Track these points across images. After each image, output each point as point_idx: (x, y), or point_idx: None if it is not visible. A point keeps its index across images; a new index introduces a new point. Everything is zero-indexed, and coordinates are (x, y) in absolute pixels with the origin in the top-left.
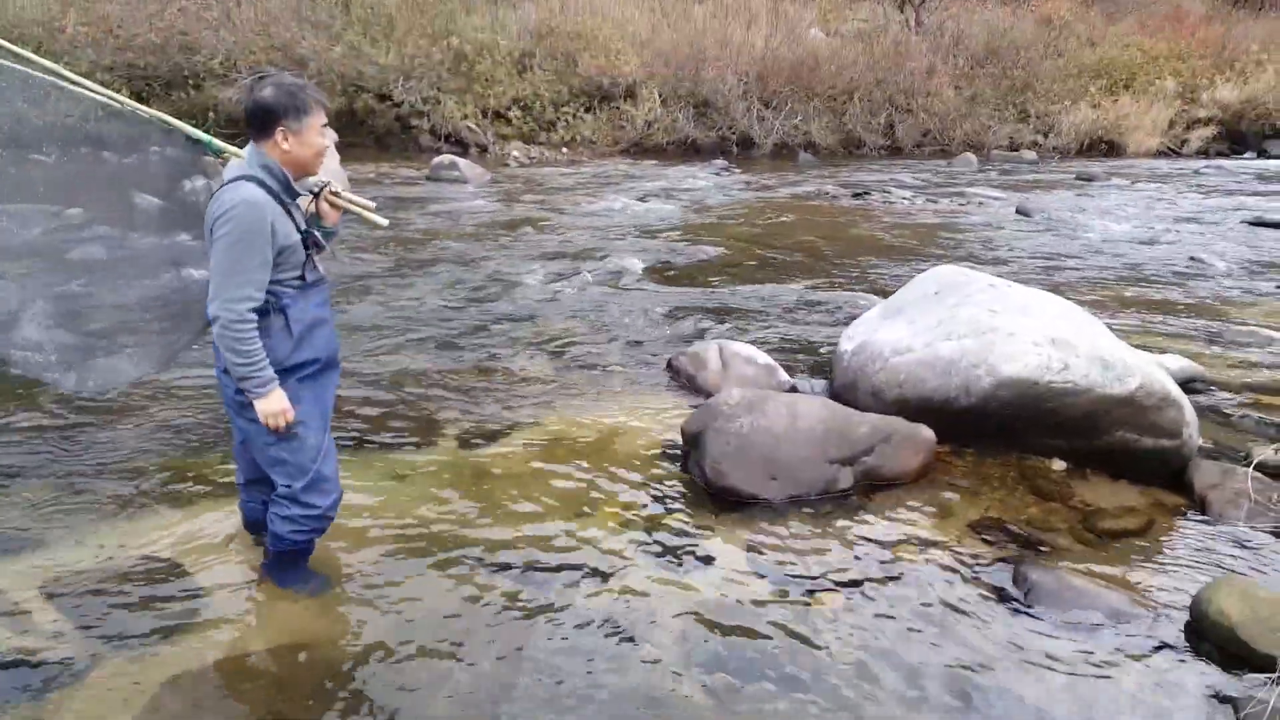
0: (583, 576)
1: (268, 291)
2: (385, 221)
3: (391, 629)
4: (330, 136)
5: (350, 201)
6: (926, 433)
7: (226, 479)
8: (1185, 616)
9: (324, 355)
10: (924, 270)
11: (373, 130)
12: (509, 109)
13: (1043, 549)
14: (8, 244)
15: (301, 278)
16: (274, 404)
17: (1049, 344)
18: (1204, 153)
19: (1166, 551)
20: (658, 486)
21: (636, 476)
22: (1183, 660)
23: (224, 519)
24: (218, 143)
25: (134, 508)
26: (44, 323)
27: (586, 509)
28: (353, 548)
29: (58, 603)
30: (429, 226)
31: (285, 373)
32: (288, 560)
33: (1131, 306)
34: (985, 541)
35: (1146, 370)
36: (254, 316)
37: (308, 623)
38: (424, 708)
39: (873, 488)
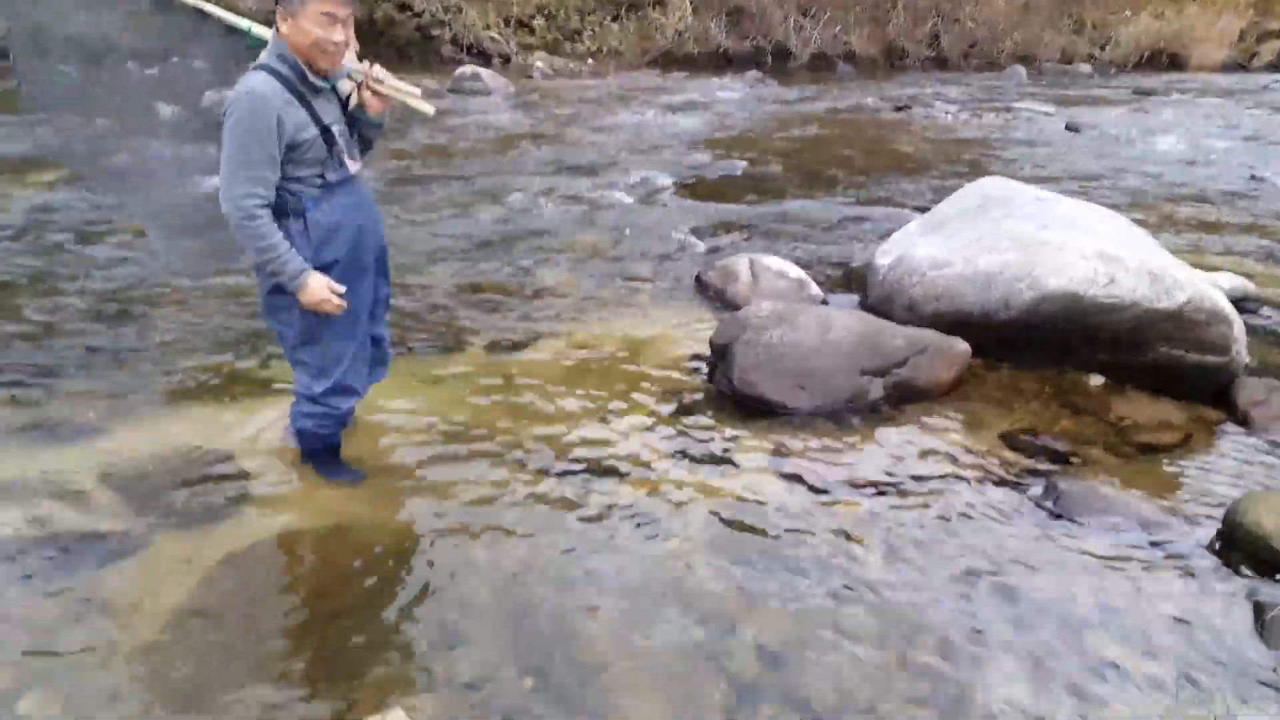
0: (609, 474)
1: (286, 191)
2: (432, 109)
3: (426, 517)
4: (353, 45)
5: (394, 89)
6: (962, 345)
7: (270, 375)
8: (1217, 527)
9: (344, 256)
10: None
11: (393, 41)
12: (532, 18)
13: (1075, 461)
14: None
15: (322, 176)
16: (313, 293)
17: (1096, 258)
18: (1276, 66)
19: (1203, 466)
20: (684, 396)
21: (663, 386)
22: (1212, 568)
23: (268, 412)
24: (258, 29)
25: (182, 400)
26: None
27: (613, 414)
28: (387, 445)
29: (113, 485)
30: (453, 139)
31: None
32: (320, 455)
33: (1185, 225)
34: (1016, 452)
35: (1196, 285)
36: (263, 213)
37: (347, 509)
38: (457, 586)
39: (904, 400)
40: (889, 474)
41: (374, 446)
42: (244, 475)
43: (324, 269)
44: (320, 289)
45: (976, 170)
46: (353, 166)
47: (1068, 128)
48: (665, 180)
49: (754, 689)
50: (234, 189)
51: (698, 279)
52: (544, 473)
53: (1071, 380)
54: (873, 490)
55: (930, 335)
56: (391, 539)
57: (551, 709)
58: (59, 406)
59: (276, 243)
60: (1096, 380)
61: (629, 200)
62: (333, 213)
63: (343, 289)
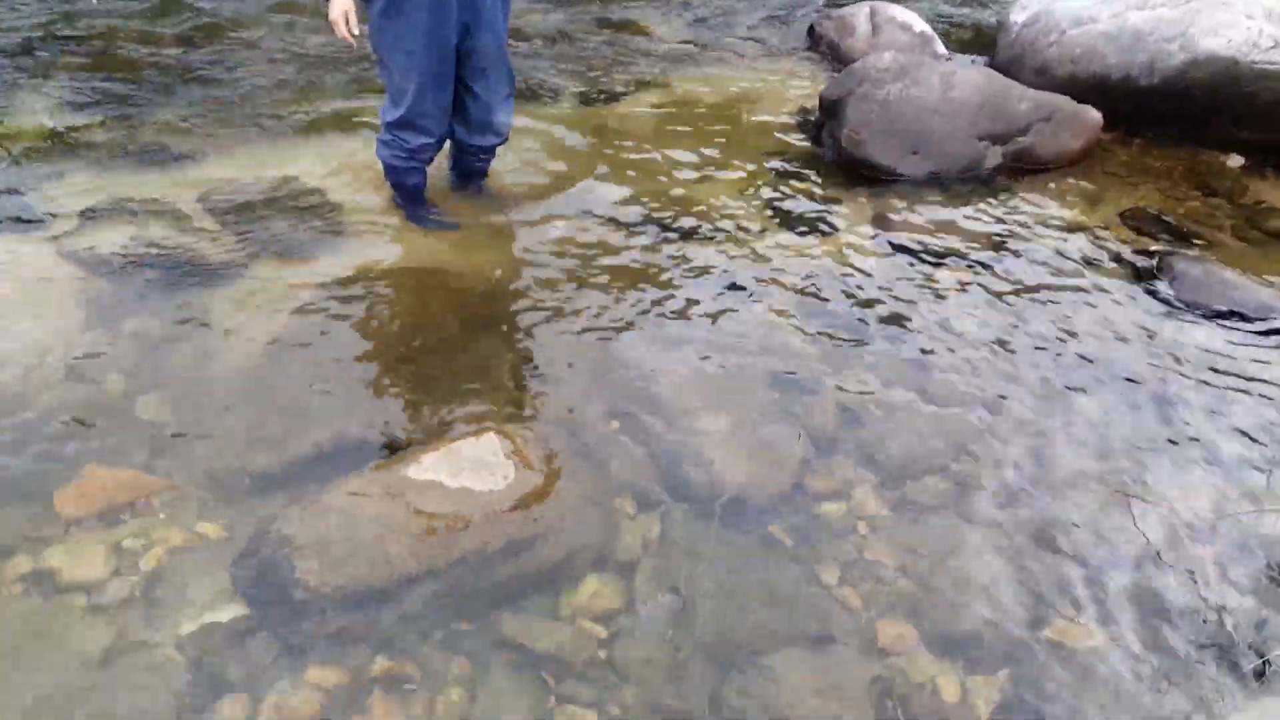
0: (702, 233)
1: None
2: None
3: (516, 266)
4: None
5: None
6: (1093, 114)
7: (367, 114)
8: None
9: None
10: None
11: None
12: None
13: (1198, 243)
14: None
15: None
16: (331, 10)
17: (1264, 17)
18: None
19: None
20: (786, 155)
21: (764, 144)
22: None
23: (364, 151)
24: None
25: (278, 132)
26: None
27: (710, 171)
28: (476, 192)
29: (213, 211)
30: None
31: None
32: (407, 196)
33: None
34: (1135, 231)
35: None
36: None
37: (441, 253)
38: (546, 333)
39: (1021, 170)
40: (995, 246)
41: (463, 193)
42: (339, 211)
43: None
44: (336, 12)
45: None
46: None
47: None
48: None
49: (831, 444)
50: None
51: (810, 30)
52: (636, 228)
53: (1208, 159)
54: (976, 262)
55: (1061, 101)
56: (483, 283)
57: (634, 448)
58: (156, 134)
59: None
60: (1235, 160)
61: None
62: None
63: (355, 31)
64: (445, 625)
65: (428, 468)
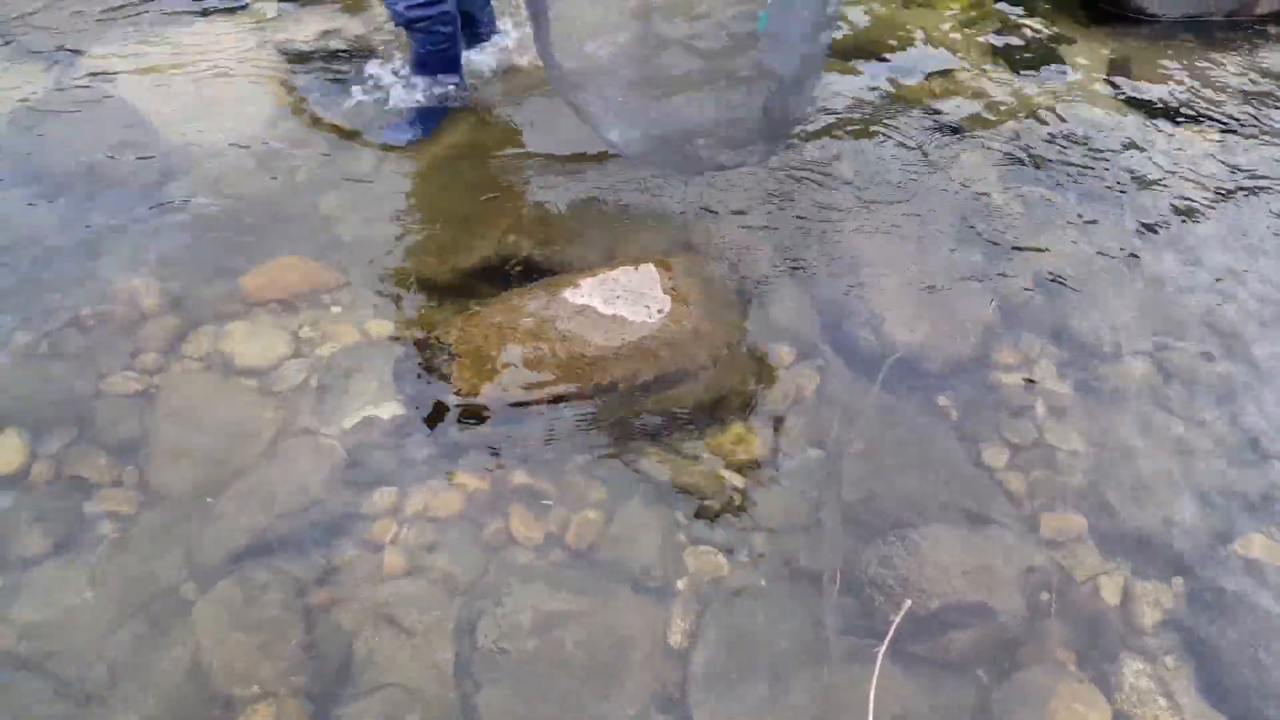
0: (908, 65)
1: None
2: None
3: None
4: None
5: None
6: None
7: None
8: None
9: None
10: None
11: None
12: None
13: None
14: None
15: None
16: None
17: None
18: None
19: None
20: None
21: None
22: None
23: None
24: None
25: None
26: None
27: None
28: None
29: None
30: None
31: None
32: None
33: None
34: None
35: None
36: None
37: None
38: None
39: None
40: (1254, 109)
41: None
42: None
43: None
44: None
45: None
46: None
47: None
48: None
49: (1022, 313)
50: None
51: None
52: (834, 54)
53: None
54: (1226, 123)
55: None
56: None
57: (801, 295)
58: None
59: None
60: None
61: None
62: None
63: None
64: (587, 450)
65: (584, 292)
